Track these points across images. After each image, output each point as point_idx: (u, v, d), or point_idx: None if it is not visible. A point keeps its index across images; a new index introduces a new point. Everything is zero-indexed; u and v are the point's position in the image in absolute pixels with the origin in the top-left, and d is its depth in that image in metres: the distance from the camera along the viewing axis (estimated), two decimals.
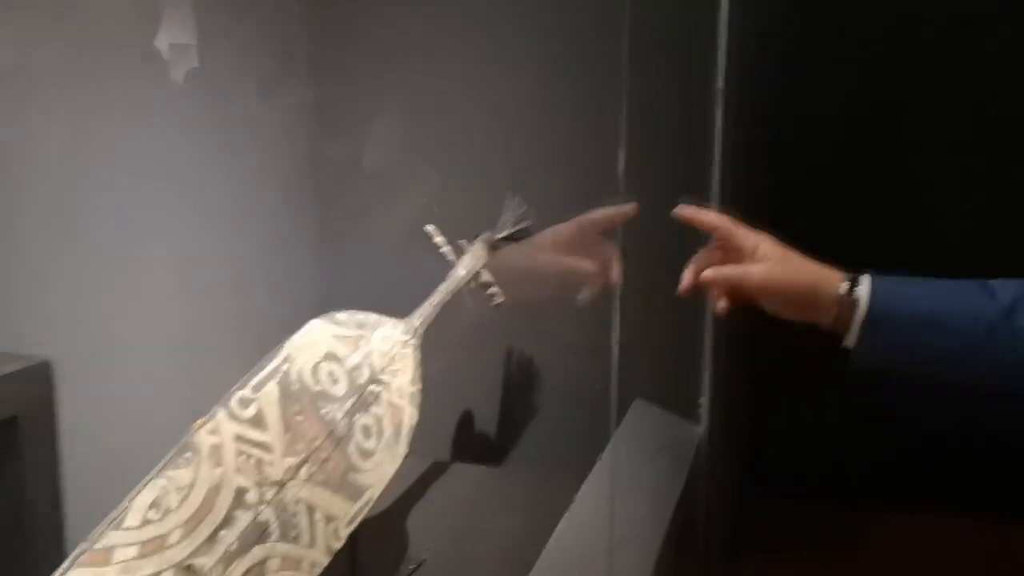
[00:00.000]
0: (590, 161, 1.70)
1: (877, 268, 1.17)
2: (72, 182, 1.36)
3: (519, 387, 1.93)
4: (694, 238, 1.58)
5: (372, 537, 1.41)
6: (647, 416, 1.81)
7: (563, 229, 1.61)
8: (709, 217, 1.28)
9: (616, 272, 1.58)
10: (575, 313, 1.87)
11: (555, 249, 1.64)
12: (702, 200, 1.79)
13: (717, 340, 1.81)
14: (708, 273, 1.24)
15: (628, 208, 1.54)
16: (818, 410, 3.56)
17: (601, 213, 1.56)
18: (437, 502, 1.59)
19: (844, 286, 1.14)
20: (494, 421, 1.94)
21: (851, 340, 1.14)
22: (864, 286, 1.13)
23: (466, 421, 1.93)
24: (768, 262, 1.20)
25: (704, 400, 1.83)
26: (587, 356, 1.76)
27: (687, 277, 1.27)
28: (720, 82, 1.76)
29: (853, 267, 1.18)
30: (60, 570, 0.85)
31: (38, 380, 1.14)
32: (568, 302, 1.89)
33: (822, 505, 3.34)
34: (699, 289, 1.27)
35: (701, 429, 1.82)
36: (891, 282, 1.15)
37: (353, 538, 1.33)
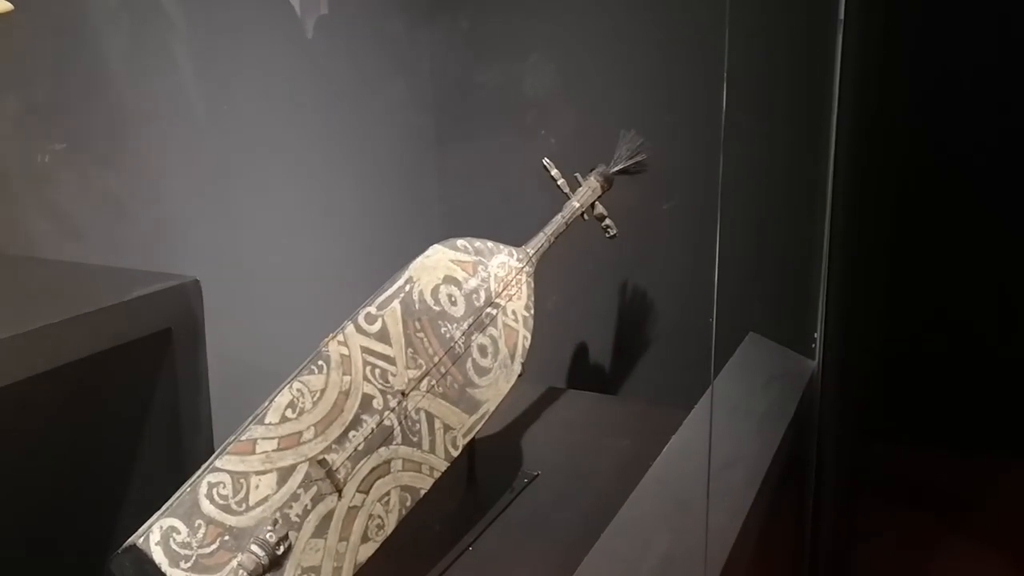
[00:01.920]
0: (696, 95, 1.72)
1: None
2: (221, 124, 1.48)
3: (632, 319, 1.99)
4: (803, 171, 1.59)
5: (489, 453, 1.51)
6: (760, 349, 1.84)
7: None
8: None
9: None
10: (687, 247, 1.92)
11: None
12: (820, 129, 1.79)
13: (831, 276, 1.81)
14: None
15: None
16: (946, 357, 3.48)
17: None
18: (551, 424, 1.66)
19: None
20: (608, 351, 2.00)
21: None
22: None
23: (581, 350, 2.00)
24: None
25: (818, 335, 1.84)
26: (699, 289, 1.79)
27: None
28: (841, 14, 1.74)
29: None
30: (213, 457, 0.96)
31: (189, 297, 1.26)
32: (680, 236, 1.92)
33: (942, 453, 3.29)
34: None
35: (814, 363, 1.83)
36: None
37: (471, 451, 1.43)
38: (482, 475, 1.45)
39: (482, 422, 1.24)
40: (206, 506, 0.91)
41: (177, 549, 0.87)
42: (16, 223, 1.34)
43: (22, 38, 1.24)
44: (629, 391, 1.98)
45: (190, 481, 0.93)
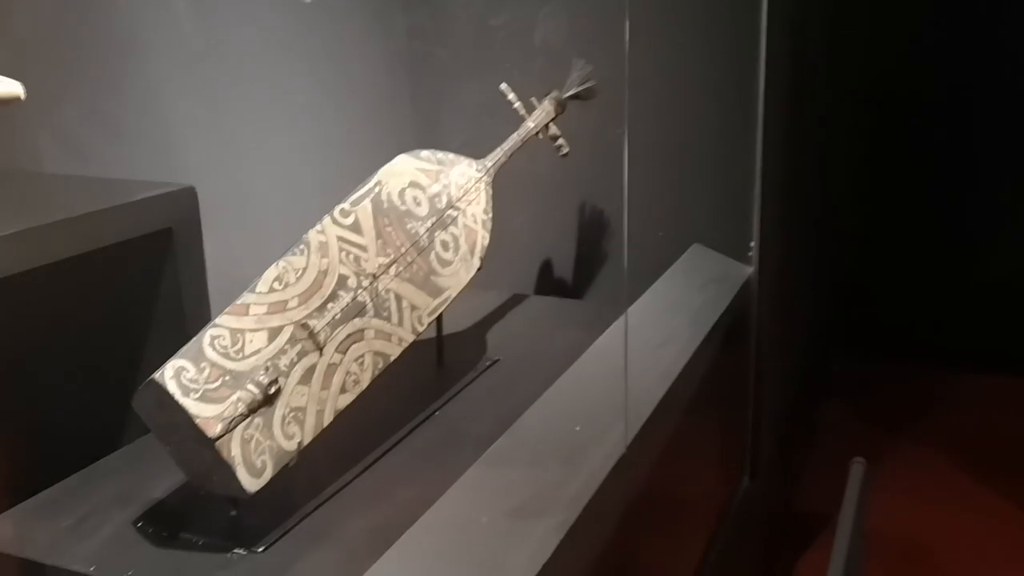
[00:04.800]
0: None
1: None
2: (215, 54, 1.66)
3: (590, 232, 2.19)
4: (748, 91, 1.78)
5: (457, 344, 1.71)
6: (702, 257, 2.04)
7: None
8: None
9: None
10: (639, 168, 2.11)
11: None
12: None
13: (764, 191, 2.01)
14: None
15: None
16: (876, 260, 3.72)
17: None
18: (514, 322, 1.87)
19: None
20: (569, 261, 2.21)
21: None
22: None
23: (545, 261, 2.20)
24: None
25: (754, 244, 2.04)
26: (647, 205, 1.99)
27: None
28: None
29: None
30: (213, 319, 1.16)
31: (186, 201, 1.45)
32: (632, 159, 2.11)
33: (897, 366, 3.53)
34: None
35: (752, 269, 2.03)
36: None
37: (440, 340, 1.64)
38: (450, 360, 1.66)
39: (444, 305, 1.43)
40: (209, 352, 1.11)
41: (187, 383, 1.08)
42: (28, 144, 1.53)
43: None
44: (586, 295, 2.19)
45: (195, 337, 1.13)
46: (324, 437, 1.21)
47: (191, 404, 1.07)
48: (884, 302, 3.81)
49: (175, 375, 1.07)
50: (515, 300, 1.98)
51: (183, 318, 1.43)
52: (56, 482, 1.26)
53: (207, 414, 1.08)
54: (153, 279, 1.44)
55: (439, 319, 1.56)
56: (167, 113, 1.65)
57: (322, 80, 1.96)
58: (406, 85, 2.20)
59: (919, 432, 3.15)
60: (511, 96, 1.75)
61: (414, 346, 1.37)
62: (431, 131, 2.20)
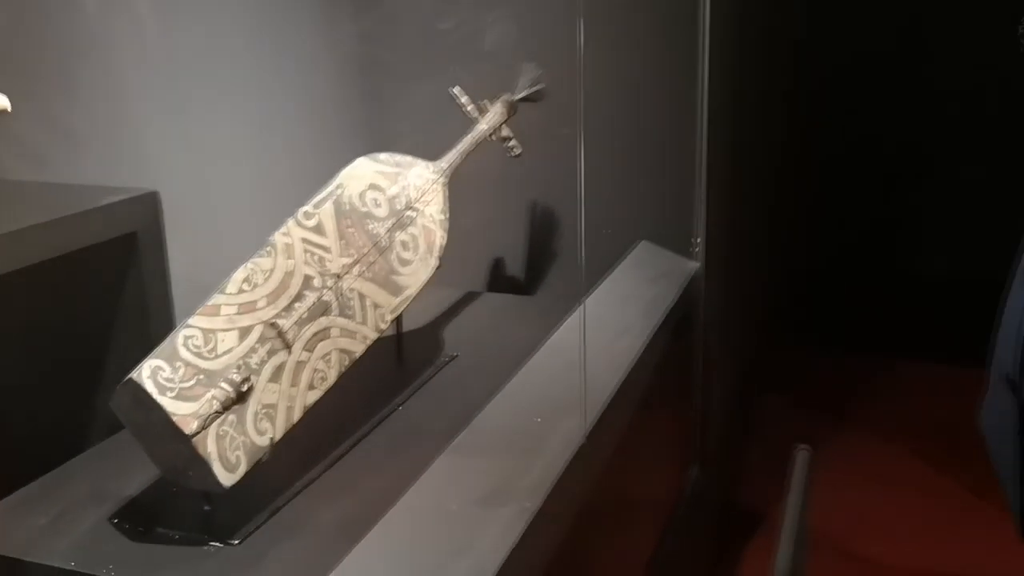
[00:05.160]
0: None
1: None
2: (176, 58, 1.68)
3: (541, 230, 2.25)
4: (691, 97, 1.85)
5: (417, 341, 1.76)
6: (650, 253, 2.11)
7: None
8: None
9: None
10: (588, 169, 2.17)
11: None
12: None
13: (709, 190, 2.09)
14: None
15: None
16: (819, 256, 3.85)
17: None
18: (470, 318, 1.92)
19: None
20: (520, 259, 2.26)
21: None
22: None
23: (497, 259, 2.26)
24: None
25: (699, 240, 2.12)
26: (597, 205, 2.05)
27: None
28: None
29: None
30: (185, 320, 1.19)
31: (149, 205, 1.48)
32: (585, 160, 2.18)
33: (831, 355, 3.66)
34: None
35: (697, 265, 2.11)
36: None
37: (400, 336, 1.69)
38: (410, 357, 1.70)
39: (405, 303, 1.48)
40: (183, 352, 1.15)
41: (163, 382, 1.11)
42: None
43: None
44: (538, 291, 2.25)
45: (168, 337, 1.16)
46: (293, 433, 1.25)
47: (168, 402, 1.10)
48: (825, 295, 3.94)
49: (152, 374, 1.11)
50: (470, 297, 2.03)
51: (148, 319, 1.46)
52: (27, 483, 1.28)
53: (183, 412, 1.11)
54: (118, 283, 1.46)
55: (399, 317, 1.60)
56: (128, 118, 1.67)
57: (276, 85, 1.99)
58: (357, 89, 2.24)
59: (858, 417, 3.28)
60: (464, 99, 1.80)
61: (375, 343, 1.41)
62: (383, 134, 2.24)
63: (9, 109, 1.17)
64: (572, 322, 1.69)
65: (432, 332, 1.84)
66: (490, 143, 1.79)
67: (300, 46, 2.08)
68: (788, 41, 3.58)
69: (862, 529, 2.66)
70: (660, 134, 2.15)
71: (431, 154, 1.65)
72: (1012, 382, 1.31)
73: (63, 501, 1.23)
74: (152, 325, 1.47)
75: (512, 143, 1.83)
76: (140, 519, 1.19)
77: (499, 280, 2.28)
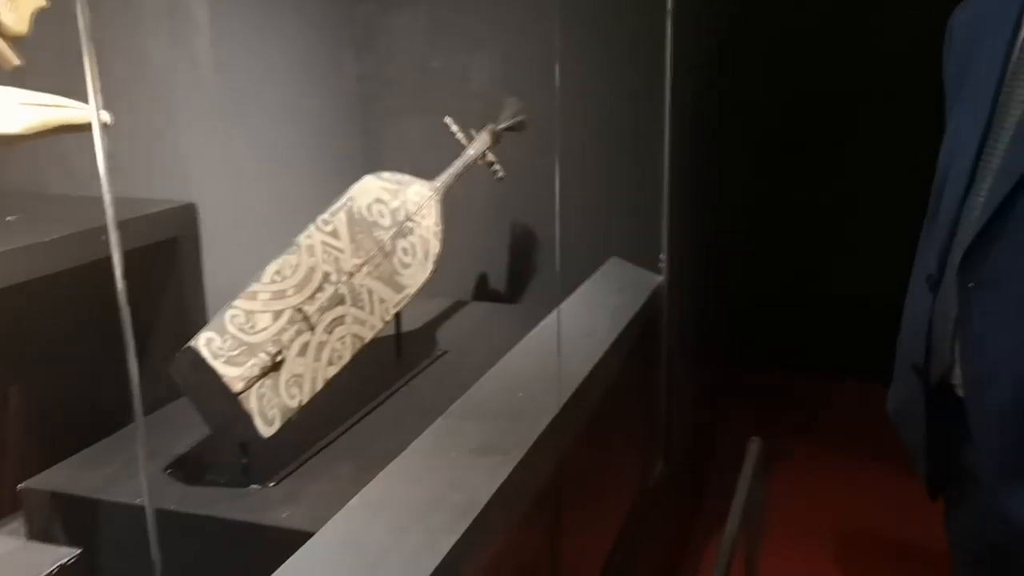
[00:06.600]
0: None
1: None
2: (222, 100, 1.95)
3: (522, 246, 2.51)
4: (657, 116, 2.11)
5: (413, 340, 2.01)
6: (619, 267, 2.38)
7: None
8: None
9: None
10: (564, 193, 2.44)
11: None
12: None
13: (672, 212, 2.36)
14: None
15: None
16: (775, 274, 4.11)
17: None
18: (460, 322, 2.17)
19: None
20: (503, 272, 2.52)
21: None
22: None
23: (483, 273, 2.51)
24: None
25: (664, 256, 2.38)
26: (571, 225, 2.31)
27: None
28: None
29: None
30: (230, 301, 1.44)
31: (188, 215, 1.73)
32: (563, 184, 2.45)
33: (787, 374, 3.95)
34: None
35: (661, 278, 2.37)
36: None
37: (399, 335, 1.93)
38: (407, 352, 1.95)
39: (406, 300, 1.73)
40: (230, 327, 1.39)
41: (216, 350, 1.35)
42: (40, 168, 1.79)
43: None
44: (519, 301, 2.51)
45: (217, 314, 1.41)
46: (315, 401, 1.49)
47: (219, 366, 1.35)
48: (777, 311, 4.22)
49: (207, 343, 1.35)
50: (458, 305, 2.29)
51: (185, 311, 1.71)
52: (90, 445, 1.52)
53: (231, 374, 1.35)
54: (160, 283, 1.71)
55: (398, 318, 1.85)
56: (170, 139, 1.92)
57: (296, 118, 2.27)
58: (362, 121, 2.51)
59: (808, 424, 3.61)
60: (454, 128, 2.07)
61: (377, 341, 1.67)
62: (384, 159, 2.51)
63: (111, 123, 1.40)
64: (549, 321, 1.94)
65: (426, 333, 2.09)
66: (478, 168, 2.05)
67: (318, 85, 2.35)
68: (742, 82, 3.87)
69: (812, 517, 2.95)
70: (629, 160, 2.42)
71: (422, 177, 1.91)
72: (918, 369, 1.49)
73: (123, 457, 1.47)
74: (189, 315, 1.71)
75: (496, 167, 2.09)
76: (190, 469, 1.43)
77: (484, 290, 2.54)
